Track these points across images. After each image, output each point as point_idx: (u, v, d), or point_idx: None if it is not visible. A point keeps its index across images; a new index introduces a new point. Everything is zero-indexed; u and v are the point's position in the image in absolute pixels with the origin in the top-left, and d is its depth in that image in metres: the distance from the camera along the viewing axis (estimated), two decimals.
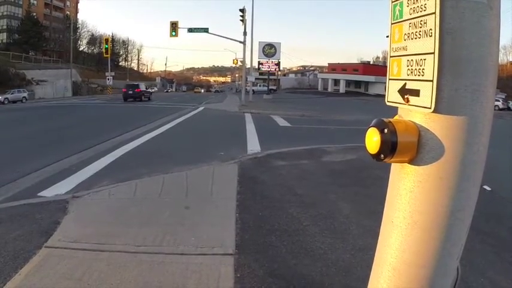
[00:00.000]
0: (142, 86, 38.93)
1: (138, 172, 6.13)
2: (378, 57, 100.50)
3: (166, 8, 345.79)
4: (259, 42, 49.27)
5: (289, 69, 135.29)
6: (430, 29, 1.02)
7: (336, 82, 72.84)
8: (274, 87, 66.24)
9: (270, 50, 49.50)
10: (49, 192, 5.17)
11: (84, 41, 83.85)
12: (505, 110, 40.38)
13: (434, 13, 1.00)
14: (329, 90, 72.63)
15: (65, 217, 4.00)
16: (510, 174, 6.96)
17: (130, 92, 34.55)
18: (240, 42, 31.61)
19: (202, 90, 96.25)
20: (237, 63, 52.55)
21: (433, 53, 1.01)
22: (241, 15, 30.37)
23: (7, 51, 54.06)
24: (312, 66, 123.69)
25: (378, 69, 66.42)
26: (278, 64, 51.20)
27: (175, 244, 3.38)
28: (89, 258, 3.06)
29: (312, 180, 5.68)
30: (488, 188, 5.25)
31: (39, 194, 5.09)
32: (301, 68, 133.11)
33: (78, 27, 79.22)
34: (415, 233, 1.08)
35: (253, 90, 40.28)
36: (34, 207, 4.34)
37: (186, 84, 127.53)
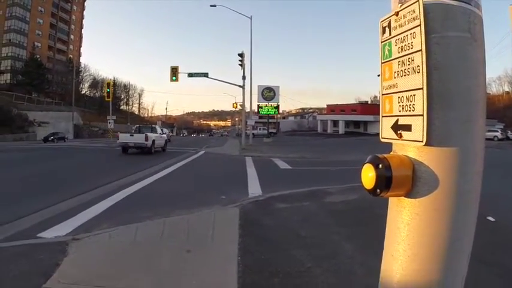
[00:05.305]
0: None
1: (139, 215, 6.05)
2: (375, 97, 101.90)
3: (167, 54, 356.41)
4: (258, 85, 50.16)
5: (288, 112, 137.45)
6: (418, 66, 1.07)
7: (335, 123, 73.60)
8: (274, 130, 66.89)
9: (269, 93, 50.33)
10: (49, 234, 5.11)
11: (86, 84, 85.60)
12: (504, 140, 40.57)
13: (421, 50, 1.06)
14: (328, 131, 73.15)
15: (64, 259, 3.93)
16: None
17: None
18: (239, 86, 32.12)
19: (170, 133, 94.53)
20: (236, 107, 53.16)
21: (422, 88, 1.05)
22: (240, 60, 31.14)
23: (10, 91, 54.81)
24: (310, 109, 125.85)
25: (376, 108, 66.18)
26: (277, 107, 51.93)
27: None
28: None
29: (314, 222, 5.61)
30: (492, 219, 5.18)
31: (38, 235, 5.04)
32: (300, 110, 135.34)
33: (81, 71, 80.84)
34: (415, 266, 1.08)
35: (253, 133, 40.62)
36: (34, 248, 4.29)
37: (186, 128, 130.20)
